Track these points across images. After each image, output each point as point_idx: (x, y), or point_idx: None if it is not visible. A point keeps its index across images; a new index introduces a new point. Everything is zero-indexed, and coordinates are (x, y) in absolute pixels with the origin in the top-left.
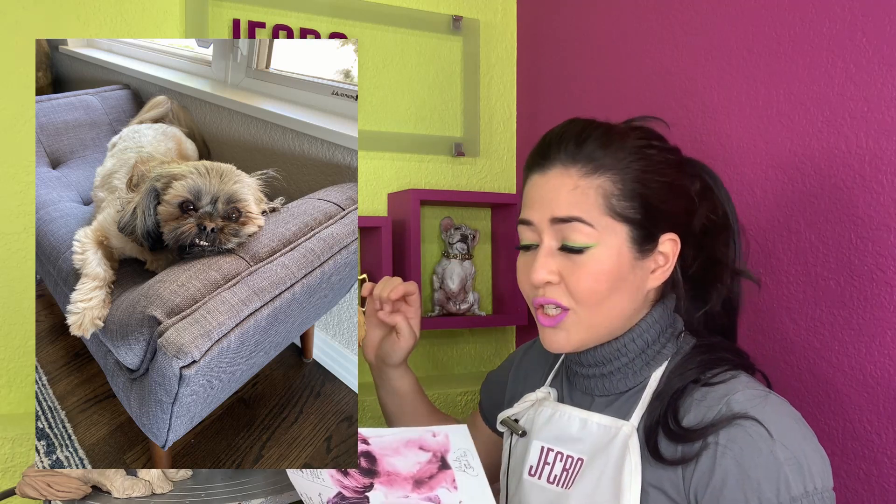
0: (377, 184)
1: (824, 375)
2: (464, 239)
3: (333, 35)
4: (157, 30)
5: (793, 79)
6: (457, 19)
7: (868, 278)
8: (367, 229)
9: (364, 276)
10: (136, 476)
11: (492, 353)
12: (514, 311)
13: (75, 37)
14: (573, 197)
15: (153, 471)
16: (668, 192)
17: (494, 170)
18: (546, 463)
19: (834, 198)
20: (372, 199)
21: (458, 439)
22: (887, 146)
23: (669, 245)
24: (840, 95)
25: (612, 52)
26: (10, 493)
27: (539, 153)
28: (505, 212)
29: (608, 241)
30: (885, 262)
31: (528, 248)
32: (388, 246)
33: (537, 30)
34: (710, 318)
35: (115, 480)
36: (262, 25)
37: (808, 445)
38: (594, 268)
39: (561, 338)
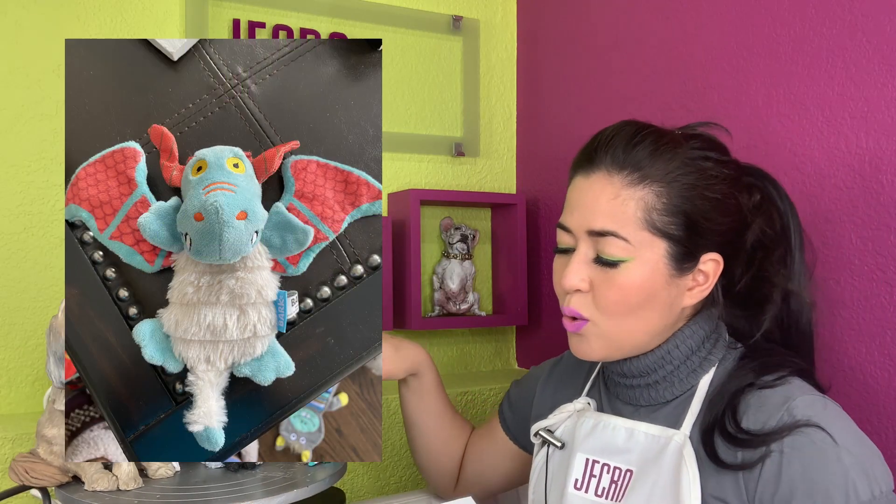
0: None
1: (824, 376)
2: (464, 239)
3: (333, 35)
4: (157, 30)
5: (793, 79)
6: (457, 19)
7: (868, 278)
8: None
9: None
10: (109, 470)
11: (492, 353)
12: (514, 311)
13: (75, 37)
14: (612, 207)
15: (125, 466)
16: (716, 208)
17: (494, 170)
18: (592, 475)
19: (834, 198)
20: None
21: None
22: (887, 146)
23: (711, 265)
24: (840, 95)
25: (613, 51)
26: (10, 493)
27: (585, 154)
28: (505, 212)
29: (644, 255)
30: (885, 262)
31: (564, 251)
32: (388, 246)
33: (537, 30)
34: (765, 332)
35: (88, 471)
36: (262, 25)
37: (868, 449)
38: (625, 282)
39: (584, 346)
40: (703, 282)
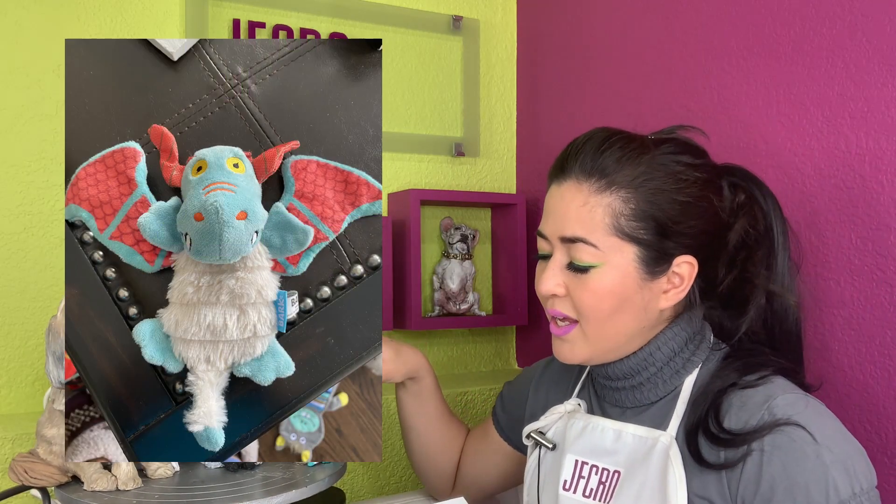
0: None
1: (824, 376)
2: (464, 239)
3: (333, 35)
4: (157, 30)
5: (793, 79)
6: (457, 19)
7: (868, 278)
8: None
9: None
10: (108, 470)
11: (492, 353)
12: (514, 311)
13: (75, 37)
14: (581, 214)
15: (124, 466)
16: (687, 212)
17: (494, 170)
18: (581, 477)
19: (834, 198)
20: None
21: None
22: (887, 146)
23: (686, 268)
24: (840, 95)
25: (613, 52)
26: (9, 493)
27: (558, 163)
28: (505, 212)
29: (614, 260)
30: (885, 262)
31: (544, 257)
32: (389, 246)
33: (537, 30)
34: (749, 333)
35: (87, 471)
36: (262, 25)
37: (850, 447)
38: (597, 286)
39: (566, 349)
40: (679, 284)
